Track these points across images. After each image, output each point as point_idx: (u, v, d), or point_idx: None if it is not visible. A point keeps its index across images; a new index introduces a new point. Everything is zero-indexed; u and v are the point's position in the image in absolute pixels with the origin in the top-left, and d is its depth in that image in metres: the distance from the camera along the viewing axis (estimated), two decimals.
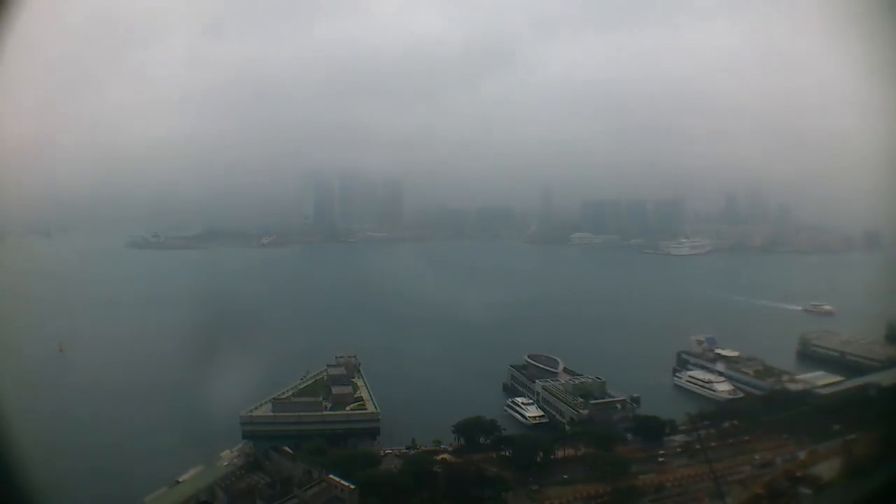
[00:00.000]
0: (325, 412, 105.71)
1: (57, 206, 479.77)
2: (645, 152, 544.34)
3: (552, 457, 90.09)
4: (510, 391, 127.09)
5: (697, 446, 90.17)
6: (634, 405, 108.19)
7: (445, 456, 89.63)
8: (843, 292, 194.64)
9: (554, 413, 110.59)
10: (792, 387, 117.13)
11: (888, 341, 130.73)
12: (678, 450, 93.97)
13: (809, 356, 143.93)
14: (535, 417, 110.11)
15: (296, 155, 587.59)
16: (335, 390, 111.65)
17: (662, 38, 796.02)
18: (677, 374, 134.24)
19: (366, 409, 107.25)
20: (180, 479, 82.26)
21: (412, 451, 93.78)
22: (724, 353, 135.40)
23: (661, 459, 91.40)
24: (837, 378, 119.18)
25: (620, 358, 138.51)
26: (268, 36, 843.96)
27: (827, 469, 76.46)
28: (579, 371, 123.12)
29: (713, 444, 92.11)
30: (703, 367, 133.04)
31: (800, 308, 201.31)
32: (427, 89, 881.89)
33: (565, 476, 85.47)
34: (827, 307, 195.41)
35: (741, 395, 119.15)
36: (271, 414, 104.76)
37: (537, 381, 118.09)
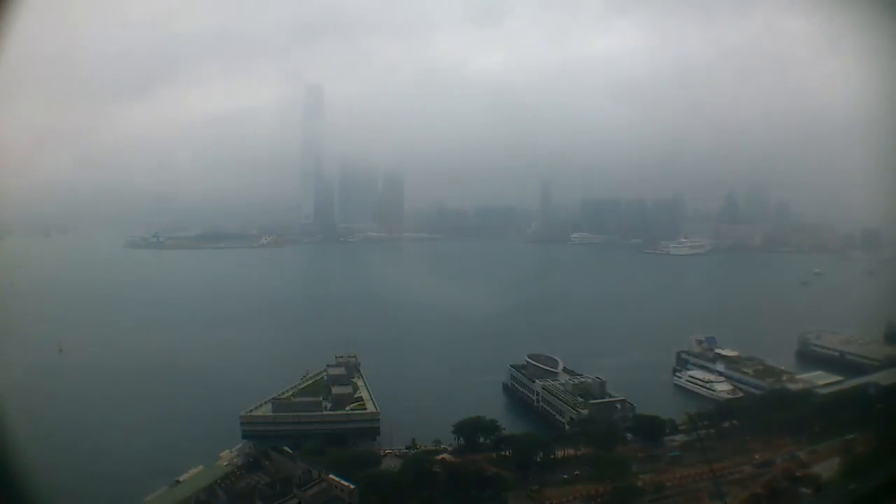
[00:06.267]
0: (325, 412, 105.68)
1: (57, 206, 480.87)
2: (645, 151, 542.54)
3: (552, 457, 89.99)
4: (510, 391, 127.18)
5: (698, 446, 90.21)
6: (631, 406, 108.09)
7: (445, 456, 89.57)
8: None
9: (554, 413, 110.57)
10: (791, 387, 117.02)
11: (888, 341, 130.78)
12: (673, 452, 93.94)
13: (809, 356, 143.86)
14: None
15: (296, 154, 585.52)
16: (335, 390, 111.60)
17: (661, 34, 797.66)
18: (677, 373, 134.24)
19: (366, 409, 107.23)
20: (180, 479, 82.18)
21: (412, 451, 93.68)
22: (723, 352, 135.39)
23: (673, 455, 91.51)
24: (837, 378, 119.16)
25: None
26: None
27: (827, 469, 76.62)
28: (579, 371, 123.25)
29: (713, 444, 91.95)
30: (702, 367, 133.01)
31: None
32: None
33: (565, 476, 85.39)
34: None
35: (741, 394, 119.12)
36: (271, 414, 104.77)
37: (537, 380, 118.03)
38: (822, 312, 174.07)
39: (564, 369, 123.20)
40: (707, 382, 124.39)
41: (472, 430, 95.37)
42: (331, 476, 76.36)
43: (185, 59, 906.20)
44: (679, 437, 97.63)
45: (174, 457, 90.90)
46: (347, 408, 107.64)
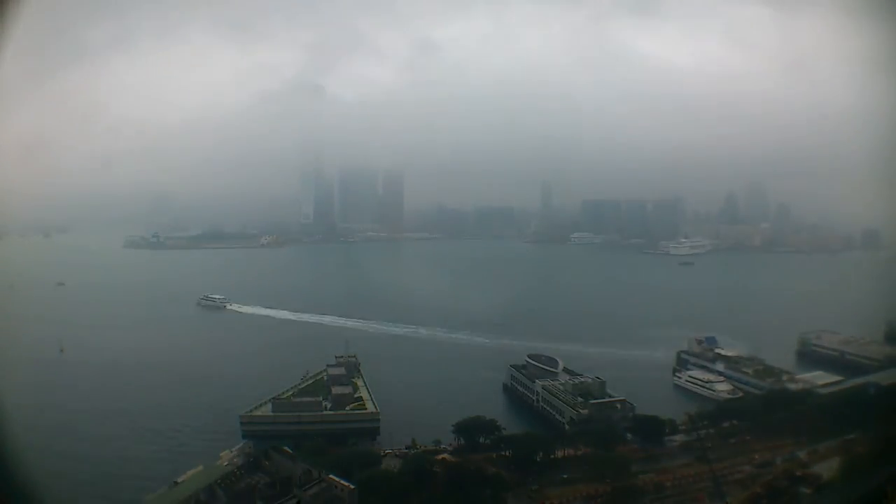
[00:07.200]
0: (325, 412, 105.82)
1: (56, 206, 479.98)
2: (645, 152, 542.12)
3: (552, 457, 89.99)
4: (510, 391, 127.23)
5: (697, 445, 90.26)
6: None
7: (445, 456, 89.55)
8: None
9: (554, 413, 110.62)
10: (792, 387, 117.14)
11: (888, 341, 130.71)
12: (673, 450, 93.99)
13: (809, 356, 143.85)
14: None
15: (296, 153, 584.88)
16: (335, 390, 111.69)
17: (659, 32, 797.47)
18: (677, 373, 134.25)
19: (366, 409, 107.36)
20: (179, 480, 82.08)
21: (412, 451, 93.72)
22: (723, 352, 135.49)
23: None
24: (837, 378, 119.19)
25: None
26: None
27: (827, 469, 76.69)
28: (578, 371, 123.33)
29: (713, 444, 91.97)
30: (702, 367, 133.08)
31: None
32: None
33: (565, 476, 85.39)
34: None
35: (741, 394, 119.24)
36: (271, 414, 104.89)
37: (537, 380, 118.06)
38: (822, 312, 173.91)
39: (564, 369, 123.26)
40: (707, 382, 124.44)
41: (472, 430, 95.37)
42: (331, 476, 76.53)
43: (184, 58, 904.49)
44: (679, 437, 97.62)
45: (174, 457, 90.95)
46: (347, 408, 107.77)
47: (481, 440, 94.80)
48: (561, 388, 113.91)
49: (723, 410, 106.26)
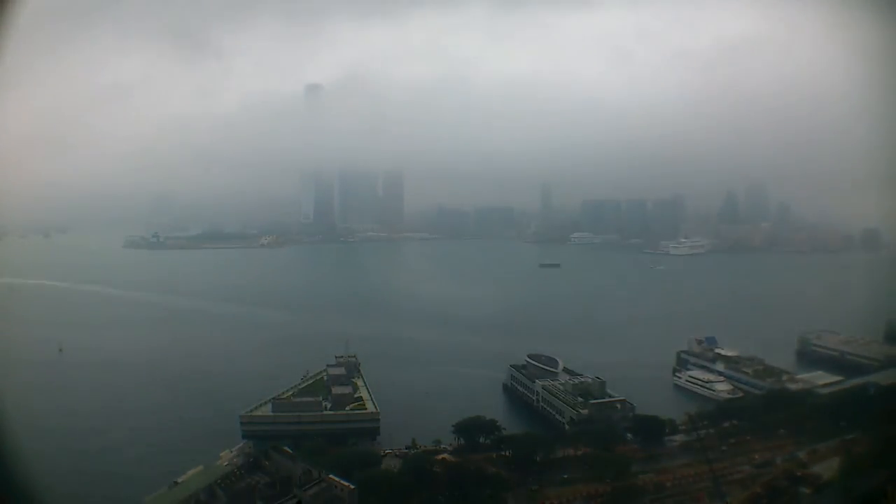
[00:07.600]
0: (325, 412, 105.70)
1: (56, 206, 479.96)
2: (645, 151, 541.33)
3: (552, 457, 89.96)
4: (510, 391, 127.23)
5: (697, 445, 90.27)
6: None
7: (445, 456, 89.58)
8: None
9: (554, 413, 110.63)
10: (791, 386, 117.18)
11: (888, 341, 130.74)
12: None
13: (809, 356, 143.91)
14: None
15: (296, 153, 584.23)
16: (335, 390, 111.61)
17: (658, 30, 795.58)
18: (677, 373, 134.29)
19: (366, 409, 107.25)
20: (179, 480, 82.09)
21: (412, 451, 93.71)
22: (723, 352, 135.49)
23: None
24: (837, 378, 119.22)
25: None
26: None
27: (826, 469, 76.77)
28: (579, 371, 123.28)
29: (713, 444, 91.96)
30: (702, 367, 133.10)
31: None
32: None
33: (565, 476, 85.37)
34: None
35: (741, 394, 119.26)
36: (271, 414, 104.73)
37: (537, 380, 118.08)
38: (822, 312, 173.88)
39: (564, 369, 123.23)
40: (707, 382, 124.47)
41: (472, 430, 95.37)
42: (331, 476, 76.55)
43: (184, 57, 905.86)
44: (679, 437, 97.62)
45: (174, 457, 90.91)
46: (347, 408, 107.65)
47: (481, 440, 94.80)
48: (561, 388, 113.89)
49: (723, 410, 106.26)
